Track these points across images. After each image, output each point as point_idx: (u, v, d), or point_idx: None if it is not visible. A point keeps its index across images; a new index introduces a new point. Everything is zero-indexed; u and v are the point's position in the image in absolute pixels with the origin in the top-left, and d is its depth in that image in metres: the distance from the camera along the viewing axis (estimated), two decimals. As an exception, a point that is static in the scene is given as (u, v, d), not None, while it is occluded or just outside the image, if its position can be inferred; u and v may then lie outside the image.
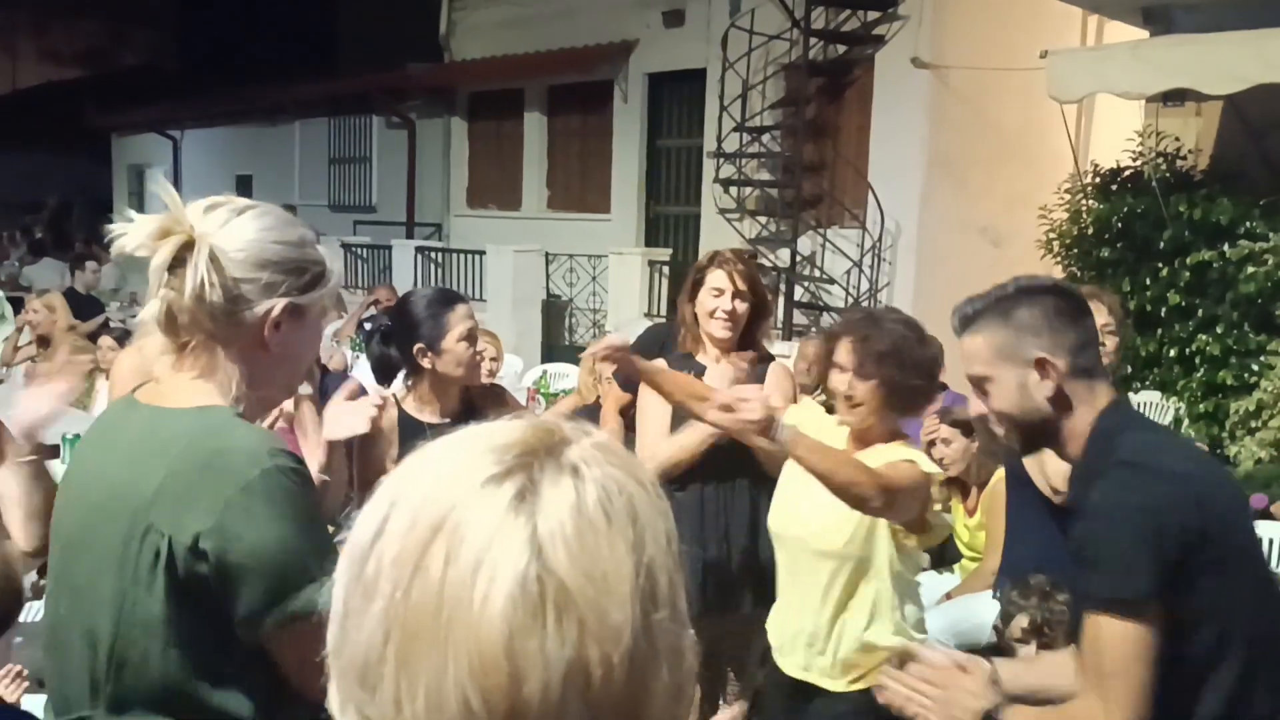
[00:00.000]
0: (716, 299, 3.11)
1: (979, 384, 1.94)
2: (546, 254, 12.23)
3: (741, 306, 3.11)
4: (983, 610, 4.21)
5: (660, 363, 3.03)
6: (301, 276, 1.52)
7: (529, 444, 0.70)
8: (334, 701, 0.69)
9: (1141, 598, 1.76)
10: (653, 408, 3.19)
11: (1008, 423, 1.94)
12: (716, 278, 3.11)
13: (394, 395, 2.88)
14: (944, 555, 5.05)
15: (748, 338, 3.18)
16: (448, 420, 2.83)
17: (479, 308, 11.96)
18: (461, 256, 12.99)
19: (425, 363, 2.82)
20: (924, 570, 5.01)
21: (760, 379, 3.16)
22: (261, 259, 1.48)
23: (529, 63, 13.15)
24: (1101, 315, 3.02)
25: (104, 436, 1.58)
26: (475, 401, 2.96)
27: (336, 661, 0.69)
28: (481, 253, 12.50)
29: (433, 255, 13.47)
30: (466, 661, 0.63)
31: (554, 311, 12.23)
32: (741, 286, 3.10)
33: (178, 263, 1.46)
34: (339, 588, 0.70)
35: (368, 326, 6.02)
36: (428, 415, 2.85)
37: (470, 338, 2.81)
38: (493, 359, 4.87)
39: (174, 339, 1.51)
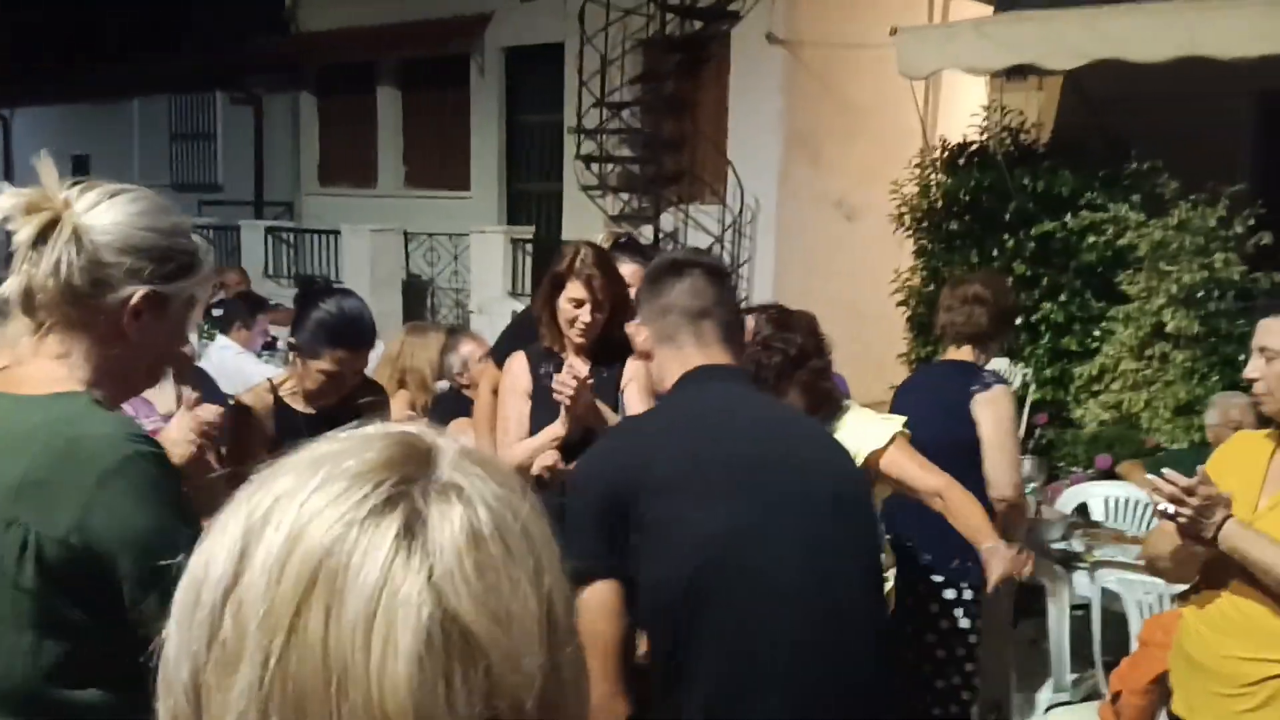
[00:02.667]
0: (575, 309, 3.08)
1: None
2: (405, 233, 11.97)
3: (600, 316, 3.09)
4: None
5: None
6: (167, 264, 1.50)
7: (396, 461, 0.61)
8: None
9: (576, 563, 1.76)
10: (513, 407, 3.17)
11: None
12: (574, 288, 3.07)
13: (271, 380, 2.85)
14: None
15: (608, 333, 3.15)
16: (323, 413, 2.77)
17: (335, 290, 11.56)
18: (315, 237, 12.60)
19: (292, 356, 2.80)
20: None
21: (618, 376, 3.16)
22: (127, 244, 1.46)
23: (380, 36, 12.79)
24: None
25: None
26: (352, 393, 2.91)
27: None
28: (336, 232, 12.14)
29: (284, 236, 13.02)
30: None
31: (415, 292, 11.99)
32: (600, 298, 3.07)
33: (42, 240, 1.43)
34: (179, 647, 0.60)
35: (216, 313, 5.76)
36: (302, 404, 2.79)
37: (331, 376, 2.71)
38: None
39: (33, 319, 1.48)
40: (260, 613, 0.56)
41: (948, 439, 3.33)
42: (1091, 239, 7.14)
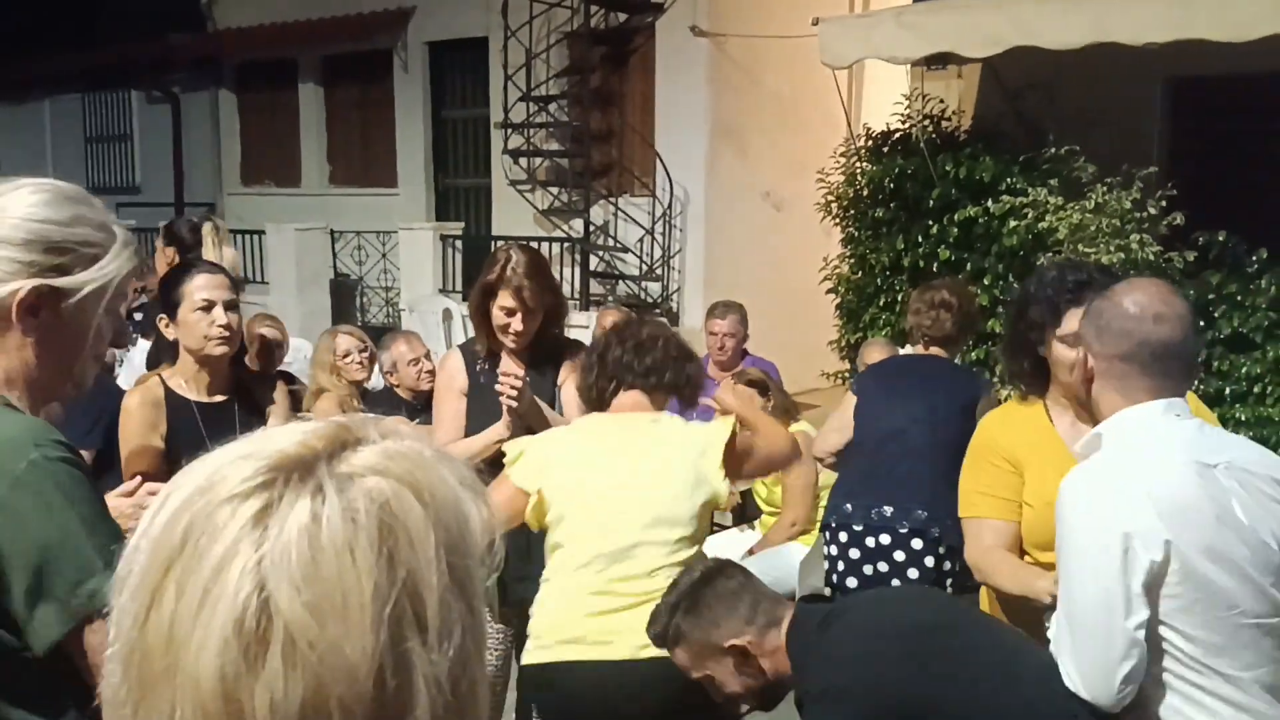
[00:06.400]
0: (507, 318, 3.10)
1: None
2: (332, 231, 11.81)
3: (532, 323, 3.11)
4: (789, 557, 4.47)
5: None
6: (61, 256, 1.40)
7: (301, 451, 0.61)
8: None
9: None
10: (449, 405, 3.19)
11: None
12: (505, 297, 3.08)
13: (159, 374, 2.82)
14: (745, 513, 5.19)
15: (543, 334, 3.18)
16: (218, 399, 2.79)
17: (260, 290, 11.29)
18: (238, 237, 12.36)
19: (169, 333, 2.78)
20: (727, 528, 5.15)
21: (555, 376, 3.18)
22: (13, 236, 1.38)
23: (300, 31, 12.58)
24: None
25: None
26: (248, 383, 2.93)
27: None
28: (261, 232, 11.94)
29: (208, 237, 12.76)
30: (191, 710, 0.56)
31: (343, 291, 11.84)
32: (531, 305, 3.09)
33: None
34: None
35: (137, 318, 5.63)
36: (195, 393, 2.77)
37: (208, 308, 2.71)
38: (277, 345, 4.63)
39: None
40: (135, 583, 0.59)
41: (963, 437, 3.39)
42: (1013, 223, 7.28)
